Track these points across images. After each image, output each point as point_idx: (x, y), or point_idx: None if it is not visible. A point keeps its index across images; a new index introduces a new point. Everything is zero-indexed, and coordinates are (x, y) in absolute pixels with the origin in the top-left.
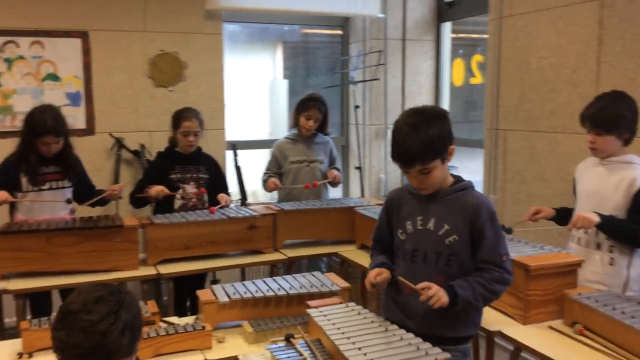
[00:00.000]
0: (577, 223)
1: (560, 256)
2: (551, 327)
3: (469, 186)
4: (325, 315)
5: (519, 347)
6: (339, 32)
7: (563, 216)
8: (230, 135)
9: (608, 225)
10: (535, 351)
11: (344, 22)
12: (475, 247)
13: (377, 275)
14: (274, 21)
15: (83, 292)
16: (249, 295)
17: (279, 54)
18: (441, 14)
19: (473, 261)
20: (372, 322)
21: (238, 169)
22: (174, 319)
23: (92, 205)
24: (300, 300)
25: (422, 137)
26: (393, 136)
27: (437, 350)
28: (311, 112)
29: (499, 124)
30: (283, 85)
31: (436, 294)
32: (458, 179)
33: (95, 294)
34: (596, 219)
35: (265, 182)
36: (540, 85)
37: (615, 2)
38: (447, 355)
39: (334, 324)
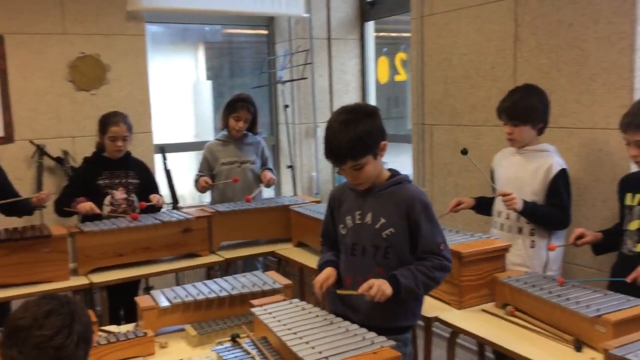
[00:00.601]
0: (507, 197)
1: (489, 242)
2: (484, 310)
3: (403, 180)
4: (270, 313)
5: (456, 331)
6: (264, 31)
7: (482, 205)
8: (158, 138)
9: (530, 211)
10: (471, 334)
11: (269, 22)
12: (413, 239)
13: (324, 282)
14: (196, 21)
15: (31, 307)
16: (190, 298)
17: (201, 55)
18: (364, 13)
19: (411, 253)
20: (317, 316)
21: (168, 172)
22: (112, 328)
23: (19, 214)
24: (243, 300)
25: (351, 134)
26: (325, 134)
27: (382, 338)
28: (240, 113)
29: (425, 119)
30: (207, 87)
31: (379, 290)
32: (394, 173)
33: (45, 308)
34: (521, 203)
35: (196, 182)
36: (462, 80)
37: (528, 0)
38: (392, 342)
39: (279, 321)
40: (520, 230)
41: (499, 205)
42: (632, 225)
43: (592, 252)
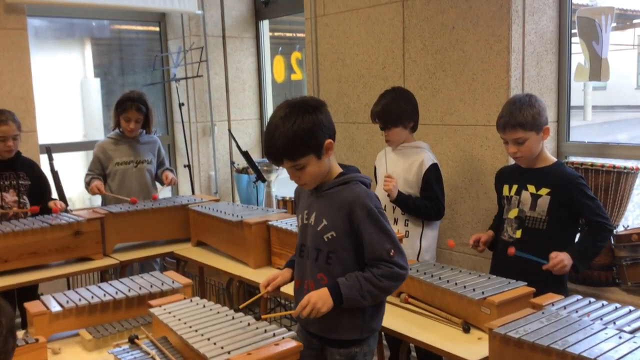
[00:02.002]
0: (388, 181)
1: None
2: None
3: (352, 180)
4: (169, 313)
5: None
6: (156, 28)
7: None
8: (44, 138)
9: (402, 200)
10: None
11: (161, 18)
12: (358, 245)
13: (269, 281)
14: (83, 16)
15: None
16: (84, 302)
17: (88, 51)
18: (258, 12)
19: (356, 260)
20: (218, 313)
21: (55, 173)
22: None
23: None
24: (141, 301)
25: (289, 132)
26: (265, 130)
27: (283, 330)
28: (130, 114)
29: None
30: (95, 84)
31: (314, 308)
32: (346, 172)
33: None
34: (395, 190)
35: (88, 184)
36: (355, 80)
37: (414, 3)
38: (293, 333)
39: (179, 319)
40: (395, 221)
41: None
42: (511, 214)
43: (488, 248)
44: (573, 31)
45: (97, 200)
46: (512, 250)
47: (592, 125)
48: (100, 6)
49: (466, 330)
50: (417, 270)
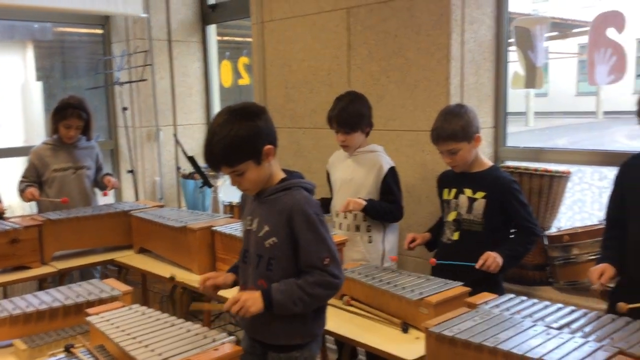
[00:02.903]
0: (348, 206)
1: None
2: None
3: (294, 186)
4: (107, 320)
5: None
6: (99, 31)
7: (323, 204)
8: None
9: (371, 207)
10: None
11: (104, 21)
12: (297, 251)
13: (205, 280)
14: (24, 18)
15: None
16: (18, 311)
17: (30, 54)
18: (205, 16)
19: (297, 267)
20: (158, 320)
21: None
22: None
23: None
24: (78, 310)
25: (226, 138)
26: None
27: (224, 335)
28: (70, 121)
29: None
30: (37, 88)
31: (243, 306)
32: (289, 177)
33: None
34: (363, 202)
35: (22, 191)
36: (301, 85)
37: (359, 11)
38: (233, 338)
39: (117, 327)
40: (357, 228)
41: (337, 205)
42: (450, 217)
43: (427, 249)
44: (510, 40)
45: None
46: (432, 260)
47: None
48: (42, 8)
49: (405, 330)
50: (359, 273)
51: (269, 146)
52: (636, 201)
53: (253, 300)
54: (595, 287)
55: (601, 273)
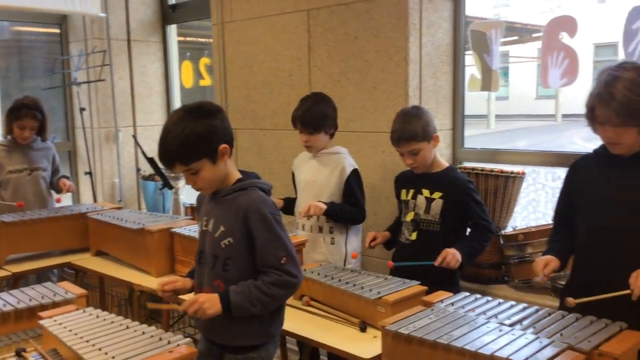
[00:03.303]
0: (309, 211)
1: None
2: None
3: (249, 186)
4: (60, 324)
5: None
6: (57, 30)
7: (288, 205)
8: None
9: (332, 211)
10: None
11: (62, 20)
12: (253, 251)
13: (164, 285)
14: None
15: None
16: None
17: None
18: (165, 16)
19: (254, 267)
20: (112, 322)
21: None
22: None
23: None
24: (31, 313)
25: (181, 136)
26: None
27: (179, 337)
28: (25, 122)
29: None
30: None
31: (199, 308)
32: (245, 178)
33: None
34: (324, 206)
35: None
36: (262, 86)
37: (319, 13)
38: (188, 339)
39: (70, 330)
40: (320, 229)
41: (300, 206)
42: (408, 217)
43: (385, 248)
44: (466, 44)
45: None
46: (390, 263)
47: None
48: None
49: (363, 329)
50: (319, 274)
51: (224, 145)
52: (583, 202)
53: (210, 302)
54: (539, 278)
55: (545, 264)
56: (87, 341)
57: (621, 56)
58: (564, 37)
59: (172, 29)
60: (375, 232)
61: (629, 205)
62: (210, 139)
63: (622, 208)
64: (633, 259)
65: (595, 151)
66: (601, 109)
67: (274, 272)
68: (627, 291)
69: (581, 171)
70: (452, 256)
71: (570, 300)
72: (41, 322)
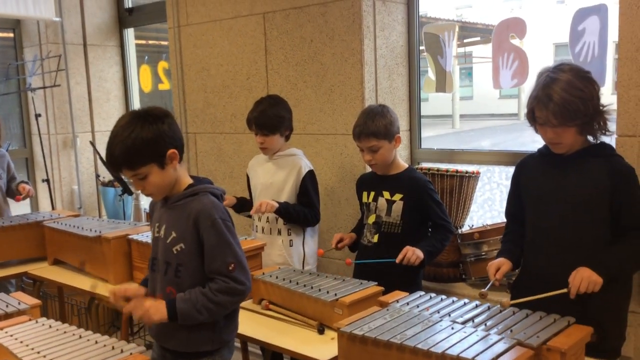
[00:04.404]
0: (261, 208)
1: (246, 242)
2: (242, 307)
3: (200, 191)
4: (11, 335)
5: None
6: (10, 34)
7: (242, 205)
8: None
9: (285, 210)
10: None
11: (15, 25)
12: (203, 257)
13: (114, 293)
14: None
15: None
16: None
17: None
18: (122, 20)
19: (205, 272)
20: (65, 332)
21: None
22: None
23: None
24: None
25: (127, 141)
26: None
27: (133, 345)
28: None
29: (188, 128)
30: None
31: (145, 314)
32: (196, 183)
33: None
34: (276, 204)
35: None
36: (220, 90)
37: (274, 16)
38: (142, 348)
39: (21, 342)
40: (279, 232)
41: None
42: (370, 219)
43: (350, 250)
44: (421, 47)
45: None
46: (348, 260)
47: (460, 132)
48: None
49: (321, 331)
50: (277, 277)
51: (172, 150)
52: (528, 200)
53: (156, 309)
54: (492, 282)
55: (497, 268)
56: (38, 352)
57: None
58: (515, 39)
59: (130, 33)
60: (342, 234)
61: (570, 202)
62: (157, 144)
63: (564, 205)
64: (576, 254)
65: (539, 150)
66: (540, 110)
67: (222, 279)
68: (564, 290)
69: (526, 170)
70: (412, 252)
71: (505, 302)
72: None
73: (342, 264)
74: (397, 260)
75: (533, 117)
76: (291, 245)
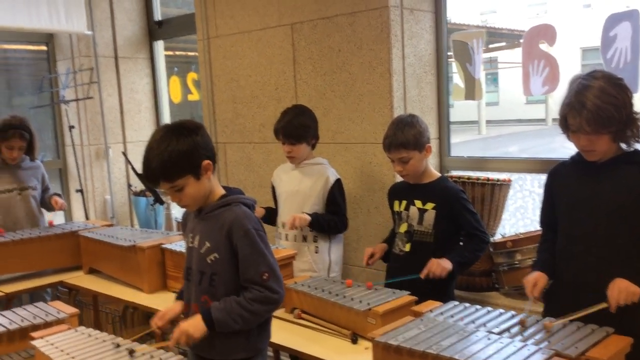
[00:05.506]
0: (295, 222)
1: (277, 252)
2: (275, 316)
3: (232, 202)
4: (52, 344)
5: None
6: (44, 48)
7: (269, 216)
8: None
9: (316, 221)
10: None
11: (49, 38)
12: (237, 266)
13: (157, 321)
14: None
15: None
16: None
17: None
18: (152, 32)
19: (239, 281)
20: (104, 341)
21: None
22: None
23: None
24: (23, 334)
25: (164, 154)
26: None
27: (170, 354)
28: (13, 142)
29: (218, 138)
30: None
31: (183, 335)
32: (229, 194)
33: None
34: (308, 217)
35: None
36: (249, 100)
37: (302, 27)
38: (180, 357)
39: (62, 350)
40: (304, 239)
41: (283, 217)
42: (402, 228)
43: (382, 260)
44: (449, 54)
45: None
46: (369, 284)
47: (487, 138)
48: None
49: (354, 341)
50: (309, 286)
51: (207, 161)
52: (562, 208)
53: (194, 327)
54: (530, 298)
55: (534, 284)
56: None
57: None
58: (545, 45)
59: (159, 45)
60: (372, 248)
61: (604, 209)
62: (192, 156)
63: (598, 213)
64: (610, 262)
65: (572, 158)
66: (573, 117)
67: (256, 288)
68: (604, 304)
69: (559, 178)
70: (437, 265)
71: (547, 324)
72: (33, 342)
73: (368, 272)
74: (422, 276)
75: (566, 125)
76: (317, 252)
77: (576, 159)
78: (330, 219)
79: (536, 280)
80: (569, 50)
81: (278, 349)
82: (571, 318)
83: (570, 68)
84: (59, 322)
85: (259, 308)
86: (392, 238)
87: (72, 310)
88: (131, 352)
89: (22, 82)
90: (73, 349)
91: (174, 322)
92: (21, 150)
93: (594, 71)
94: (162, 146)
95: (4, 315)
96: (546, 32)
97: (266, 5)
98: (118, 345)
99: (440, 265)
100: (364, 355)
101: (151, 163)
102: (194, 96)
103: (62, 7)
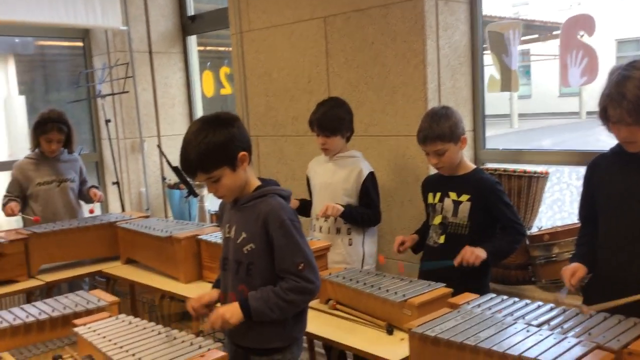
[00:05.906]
0: (327, 211)
1: (312, 243)
2: (310, 307)
3: (268, 193)
4: (94, 331)
5: None
6: (80, 43)
7: (304, 207)
8: None
9: (349, 213)
10: None
11: (84, 34)
12: (273, 256)
13: (198, 301)
14: (5, 33)
15: None
16: (5, 324)
17: (12, 68)
18: (185, 27)
19: (275, 271)
20: (144, 328)
21: None
22: None
23: None
24: (65, 321)
25: (201, 145)
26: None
27: (210, 342)
28: (51, 135)
29: (251, 131)
30: (20, 102)
31: (219, 319)
32: (264, 185)
33: None
34: (341, 208)
35: (4, 205)
36: (282, 93)
37: (335, 19)
38: (219, 344)
39: (104, 337)
40: (338, 231)
41: (317, 209)
42: (436, 220)
43: (412, 252)
44: (485, 45)
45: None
46: (401, 265)
47: (519, 132)
48: (23, 23)
49: (390, 332)
50: (344, 277)
51: (243, 152)
52: (602, 201)
53: (231, 312)
54: (567, 287)
55: (572, 274)
56: (121, 347)
57: None
58: (583, 36)
59: (192, 40)
60: (403, 236)
61: None
62: (229, 147)
63: (638, 205)
64: None
65: (612, 150)
66: (613, 108)
67: (292, 278)
68: None
69: (599, 170)
70: (470, 253)
71: (585, 309)
72: (76, 329)
73: (406, 265)
74: (456, 264)
75: (605, 116)
76: (350, 245)
77: (616, 151)
78: (363, 211)
79: (575, 270)
80: (604, 42)
81: (313, 338)
82: (609, 306)
83: (606, 60)
84: (99, 309)
85: (295, 298)
86: (425, 230)
87: (112, 298)
88: (172, 338)
89: (59, 77)
90: (114, 335)
91: (209, 307)
92: (59, 143)
93: (634, 61)
94: (199, 138)
95: (46, 303)
96: (584, 22)
97: None
98: (159, 333)
99: (474, 254)
100: (399, 346)
101: (189, 155)
102: (227, 90)
103: (98, 3)
